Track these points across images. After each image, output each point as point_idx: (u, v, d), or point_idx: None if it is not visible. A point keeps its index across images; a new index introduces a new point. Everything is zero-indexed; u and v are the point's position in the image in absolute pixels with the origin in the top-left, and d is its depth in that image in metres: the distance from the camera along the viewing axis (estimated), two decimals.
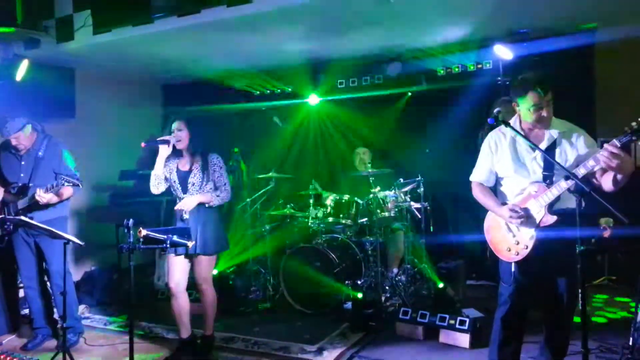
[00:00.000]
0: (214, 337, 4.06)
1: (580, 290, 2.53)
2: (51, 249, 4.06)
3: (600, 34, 5.07)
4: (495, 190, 3.15)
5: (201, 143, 3.89)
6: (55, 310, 4.47)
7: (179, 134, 3.79)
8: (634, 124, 2.40)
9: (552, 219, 2.80)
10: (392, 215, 5.05)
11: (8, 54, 5.05)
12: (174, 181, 3.84)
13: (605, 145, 2.50)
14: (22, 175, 4.14)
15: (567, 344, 3.18)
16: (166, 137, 3.78)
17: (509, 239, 2.97)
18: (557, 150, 2.86)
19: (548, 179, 2.84)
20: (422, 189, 5.19)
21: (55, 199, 4.03)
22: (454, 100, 5.66)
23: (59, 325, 4.28)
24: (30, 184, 4.08)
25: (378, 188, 5.04)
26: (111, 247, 6.19)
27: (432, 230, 5.35)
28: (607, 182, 2.69)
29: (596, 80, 5.39)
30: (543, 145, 2.86)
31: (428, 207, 5.25)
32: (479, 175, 3.14)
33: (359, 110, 6.32)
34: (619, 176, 2.59)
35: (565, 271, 2.94)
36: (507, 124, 2.81)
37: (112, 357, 3.99)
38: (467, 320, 3.96)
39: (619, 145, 2.45)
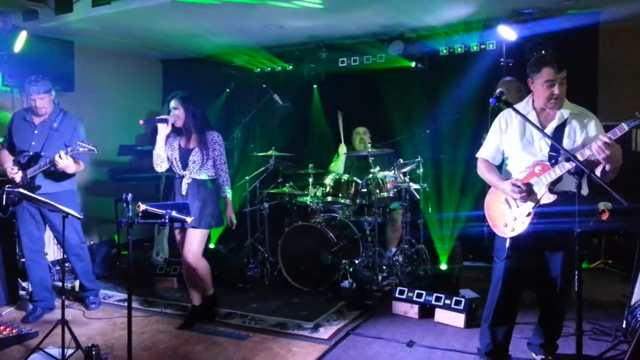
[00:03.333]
0: (215, 295, 4.16)
1: (576, 273, 2.55)
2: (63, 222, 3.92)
3: (605, 15, 5.01)
4: (500, 169, 3.16)
5: (199, 121, 3.90)
6: (77, 281, 4.62)
7: (176, 113, 3.86)
8: None
9: (551, 198, 2.82)
10: (391, 195, 5.05)
11: (7, 25, 4.99)
12: (175, 158, 3.90)
13: (600, 136, 2.56)
14: (33, 143, 4.10)
15: (561, 326, 3.22)
16: (164, 116, 3.86)
17: (507, 215, 2.99)
18: (567, 129, 2.88)
19: (553, 159, 2.85)
20: (421, 170, 5.18)
21: (72, 168, 3.96)
22: (456, 81, 5.61)
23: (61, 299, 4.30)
24: (42, 153, 4.06)
25: (377, 168, 5.04)
26: (110, 221, 6.26)
27: (430, 211, 5.37)
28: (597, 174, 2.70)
29: (599, 61, 5.34)
30: (554, 124, 2.89)
31: (427, 188, 5.26)
32: (486, 152, 3.17)
33: (360, 89, 6.27)
34: (607, 167, 2.63)
35: (561, 253, 2.97)
36: (509, 105, 2.81)
37: (111, 331, 4.02)
38: (463, 300, 3.98)
39: (615, 136, 2.52)
